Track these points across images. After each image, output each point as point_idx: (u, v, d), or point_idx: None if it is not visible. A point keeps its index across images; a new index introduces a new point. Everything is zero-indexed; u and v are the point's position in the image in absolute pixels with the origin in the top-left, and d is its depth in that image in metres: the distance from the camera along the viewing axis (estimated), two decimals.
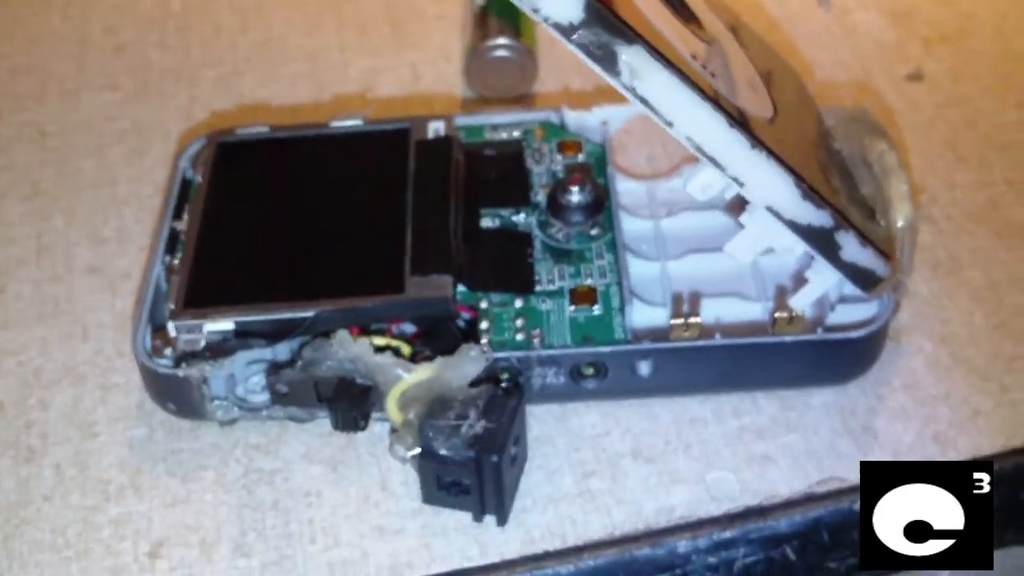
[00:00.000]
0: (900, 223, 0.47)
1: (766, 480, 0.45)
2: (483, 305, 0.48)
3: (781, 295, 0.48)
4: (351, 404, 0.45)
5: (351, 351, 0.45)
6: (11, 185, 0.60)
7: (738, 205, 0.48)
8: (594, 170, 0.54)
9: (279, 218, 0.52)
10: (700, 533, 0.44)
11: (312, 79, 0.65)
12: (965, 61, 0.64)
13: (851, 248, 0.45)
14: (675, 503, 0.45)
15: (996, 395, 0.48)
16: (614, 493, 0.45)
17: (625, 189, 0.54)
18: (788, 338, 0.46)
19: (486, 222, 0.52)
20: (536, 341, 0.47)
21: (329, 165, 0.54)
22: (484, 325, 0.48)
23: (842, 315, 0.48)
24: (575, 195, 0.51)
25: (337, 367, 0.45)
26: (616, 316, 0.48)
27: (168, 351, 0.47)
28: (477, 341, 0.47)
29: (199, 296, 0.47)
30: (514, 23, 0.62)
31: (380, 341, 0.46)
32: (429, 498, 0.45)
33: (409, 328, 0.47)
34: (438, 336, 0.47)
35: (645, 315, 0.48)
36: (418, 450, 0.43)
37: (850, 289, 0.47)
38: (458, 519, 0.45)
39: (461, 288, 0.48)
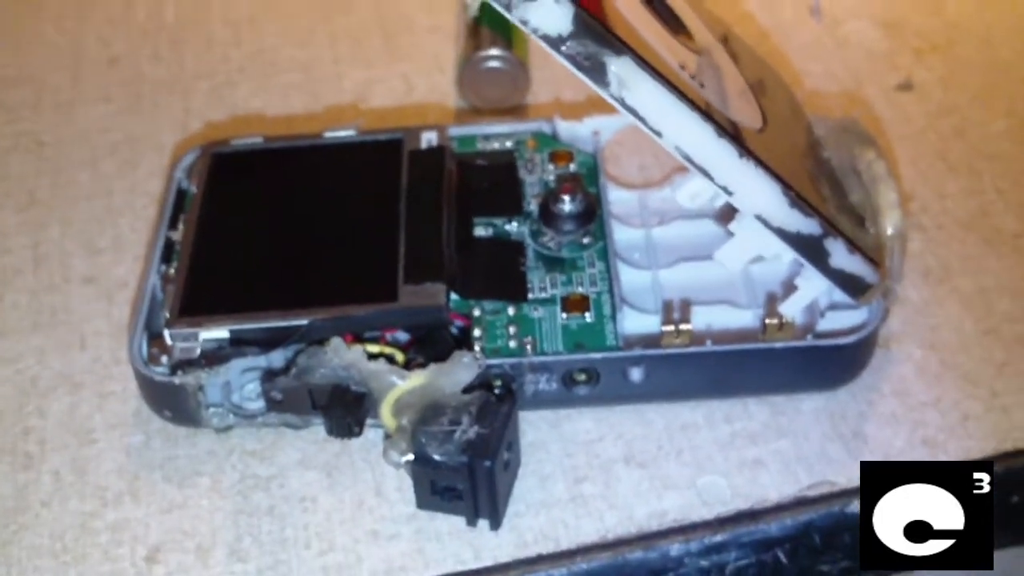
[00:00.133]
0: (889, 231, 0.48)
1: (757, 485, 0.46)
2: (476, 313, 0.49)
3: (771, 302, 0.49)
4: (345, 411, 0.45)
5: (345, 358, 0.45)
6: (7, 196, 0.60)
7: (728, 213, 0.48)
8: (585, 180, 0.54)
9: (273, 227, 0.52)
10: (692, 537, 0.44)
11: (306, 90, 0.66)
12: (954, 71, 0.64)
13: (839, 255, 0.45)
14: (667, 507, 0.45)
15: (986, 400, 0.48)
16: (607, 498, 0.46)
17: (617, 198, 0.54)
18: (778, 344, 0.47)
19: (479, 231, 0.52)
20: (529, 348, 0.47)
21: (323, 175, 0.54)
22: (477, 332, 0.48)
23: (832, 322, 0.48)
24: (567, 204, 0.51)
25: (331, 374, 0.45)
26: (608, 323, 0.48)
27: (164, 359, 0.48)
28: (470, 348, 0.47)
29: (194, 304, 0.48)
30: (506, 34, 0.62)
31: (374, 348, 0.46)
32: (423, 503, 0.45)
33: (403, 336, 0.47)
34: (432, 344, 0.47)
35: (636, 322, 0.48)
36: (412, 456, 0.43)
37: (840, 296, 0.47)
38: (452, 524, 0.45)
39: (454, 296, 0.49)
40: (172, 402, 0.47)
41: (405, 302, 0.47)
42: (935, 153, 0.59)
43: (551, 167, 0.55)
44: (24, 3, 0.73)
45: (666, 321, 0.47)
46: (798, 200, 0.44)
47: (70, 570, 0.44)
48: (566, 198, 0.52)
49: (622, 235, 0.52)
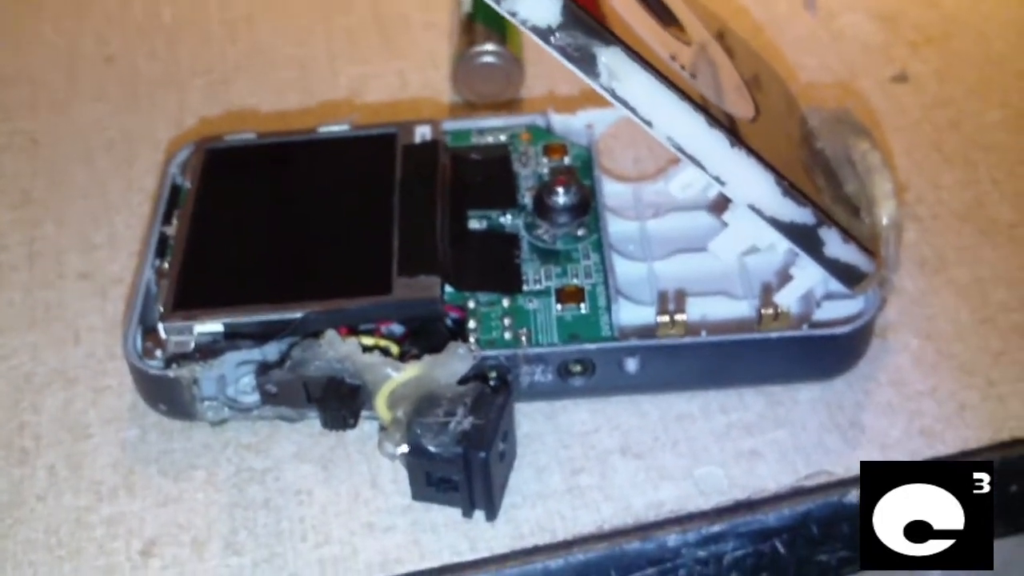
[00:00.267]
0: (885, 220, 0.48)
1: (754, 475, 0.46)
2: (471, 305, 0.48)
3: (767, 292, 0.48)
4: (340, 403, 0.45)
5: (340, 351, 0.45)
6: (2, 193, 0.60)
7: (722, 204, 0.48)
8: (580, 173, 0.54)
9: (268, 221, 0.52)
10: (689, 527, 0.44)
11: (301, 87, 0.66)
12: (949, 63, 0.64)
13: (834, 244, 0.45)
14: (664, 498, 0.45)
15: (983, 389, 0.48)
16: (603, 489, 0.45)
17: (611, 191, 0.54)
18: (774, 334, 0.47)
19: (473, 224, 0.52)
20: (524, 339, 0.47)
21: (317, 170, 0.54)
22: (472, 324, 0.48)
23: (828, 311, 0.48)
24: (561, 196, 0.51)
25: (326, 367, 0.45)
26: (603, 315, 0.48)
27: (159, 353, 0.48)
28: (465, 340, 0.47)
29: (189, 298, 0.48)
30: (500, 30, 0.62)
31: (369, 341, 0.46)
32: (418, 495, 0.45)
33: (398, 329, 0.47)
34: (426, 336, 0.47)
35: (632, 313, 0.48)
36: (407, 447, 0.43)
37: (836, 286, 0.47)
38: (447, 515, 0.45)
39: (449, 289, 0.49)
40: (167, 396, 0.47)
41: (400, 295, 0.47)
42: (930, 144, 0.59)
43: (545, 160, 0.55)
44: (24, 3, 0.73)
45: (661, 312, 0.47)
46: (791, 189, 0.44)
47: (65, 564, 0.44)
48: (560, 190, 0.52)
49: (617, 227, 0.52)
